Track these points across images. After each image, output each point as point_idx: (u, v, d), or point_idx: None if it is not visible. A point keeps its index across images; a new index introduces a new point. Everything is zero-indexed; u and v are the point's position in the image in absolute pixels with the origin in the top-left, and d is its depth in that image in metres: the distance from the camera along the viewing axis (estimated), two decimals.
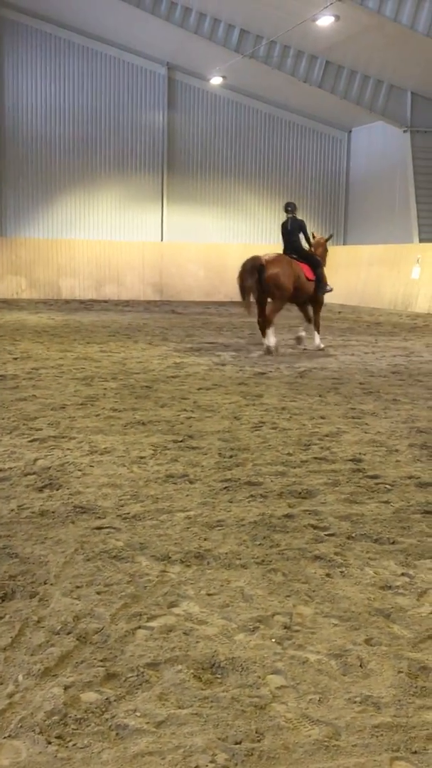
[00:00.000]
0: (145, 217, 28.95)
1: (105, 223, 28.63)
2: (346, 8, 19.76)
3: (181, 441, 7.04)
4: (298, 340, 15.07)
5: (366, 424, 7.96)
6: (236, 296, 28.28)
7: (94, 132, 28.33)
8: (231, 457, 6.53)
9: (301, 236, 14.82)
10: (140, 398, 9.07)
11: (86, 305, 26.16)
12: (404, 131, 25.50)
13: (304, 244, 14.97)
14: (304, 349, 14.47)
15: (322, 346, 14.55)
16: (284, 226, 15.02)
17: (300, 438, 7.26)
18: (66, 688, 2.97)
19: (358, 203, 30.09)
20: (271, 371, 11.55)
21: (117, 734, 2.71)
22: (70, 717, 2.79)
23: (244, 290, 13.55)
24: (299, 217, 15.23)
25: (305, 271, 14.28)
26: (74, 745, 2.64)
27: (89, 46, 27.77)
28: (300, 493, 5.56)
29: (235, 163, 29.76)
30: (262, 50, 24.08)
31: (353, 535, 4.73)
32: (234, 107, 29.52)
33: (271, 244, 29.62)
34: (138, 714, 2.82)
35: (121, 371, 11.12)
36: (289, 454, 6.67)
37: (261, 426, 7.74)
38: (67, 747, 2.63)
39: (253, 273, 13.53)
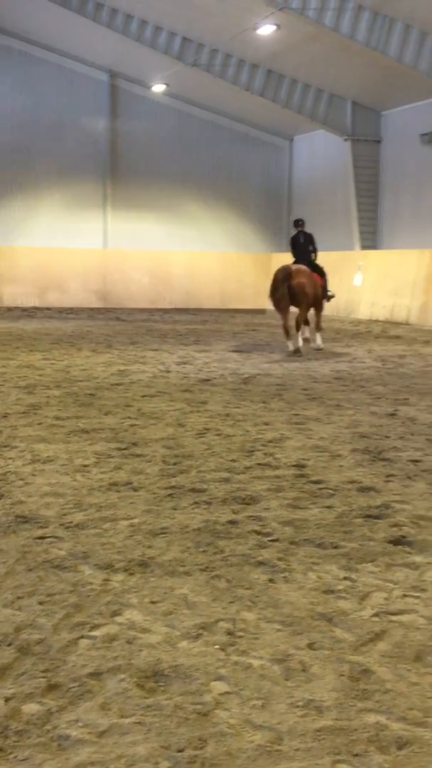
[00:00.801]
0: (88, 224, 28.81)
1: (48, 230, 28.41)
2: (287, 18, 19.94)
3: (125, 449, 7.01)
4: (306, 341, 16.26)
5: (309, 429, 8.02)
6: (180, 303, 28.39)
7: (35, 138, 28.12)
8: (175, 464, 6.52)
9: (310, 248, 16.45)
10: (84, 406, 9.02)
11: (29, 313, 25.91)
12: (345, 140, 25.79)
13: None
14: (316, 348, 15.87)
15: (322, 346, 15.95)
16: (296, 239, 16.58)
17: (244, 444, 7.28)
18: (6, 699, 2.93)
19: (301, 211, 30.26)
20: (215, 378, 11.58)
21: (59, 745, 2.68)
22: (10, 729, 2.76)
23: (276, 298, 15.23)
24: (308, 230, 16.79)
25: (317, 279, 15.87)
26: (15, 757, 2.61)
27: (30, 52, 27.58)
28: (244, 499, 5.57)
29: (179, 171, 29.79)
30: (204, 58, 24.18)
31: (296, 540, 4.75)
32: (177, 115, 29.57)
33: (215, 252, 29.77)
34: (80, 724, 2.80)
35: (64, 379, 11.05)
36: (233, 460, 6.69)
37: (205, 433, 7.75)
38: (7, 759, 2.60)
39: (285, 282, 15.07)
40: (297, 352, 15.01)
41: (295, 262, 15.98)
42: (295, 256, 16.40)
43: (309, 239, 16.50)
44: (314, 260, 16.36)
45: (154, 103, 29.21)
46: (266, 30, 20.70)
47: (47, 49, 27.65)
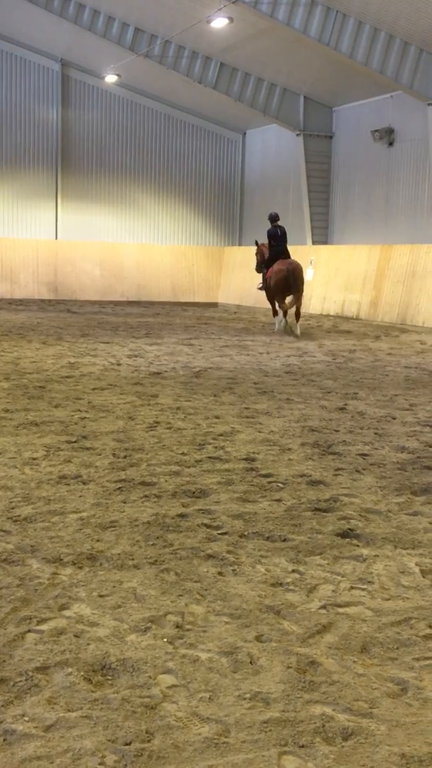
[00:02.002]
0: (38, 214, 28.54)
1: None
2: (241, 11, 19.94)
3: (74, 442, 6.97)
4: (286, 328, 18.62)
5: (260, 423, 8.05)
6: (132, 296, 28.28)
7: None
8: (125, 457, 6.50)
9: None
10: (33, 398, 8.95)
11: None
12: (297, 134, 25.87)
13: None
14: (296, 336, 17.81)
15: (298, 333, 18.04)
16: (275, 232, 18.86)
17: (194, 438, 7.29)
18: None
19: (253, 204, 30.39)
20: (166, 371, 11.56)
21: (4, 740, 2.66)
22: None
23: (288, 287, 17.81)
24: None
25: None
26: None
27: None
28: (194, 492, 5.58)
29: (131, 162, 29.65)
30: (156, 50, 24.06)
31: (245, 533, 4.77)
32: (129, 106, 29.40)
33: (168, 245, 29.70)
34: (27, 719, 2.78)
35: (13, 371, 10.94)
36: (183, 453, 6.69)
37: (156, 426, 7.74)
38: None
39: (293, 274, 17.72)
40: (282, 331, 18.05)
41: (280, 254, 18.50)
42: (276, 248, 18.67)
43: (285, 233, 18.88)
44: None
45: (106, 93, 29.01)
46: (219, 23, 20.66)
47: None
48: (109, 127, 29.25)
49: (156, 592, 3.89)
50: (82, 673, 3.09)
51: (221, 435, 7.45)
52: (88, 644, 3.32)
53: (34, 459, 6.35)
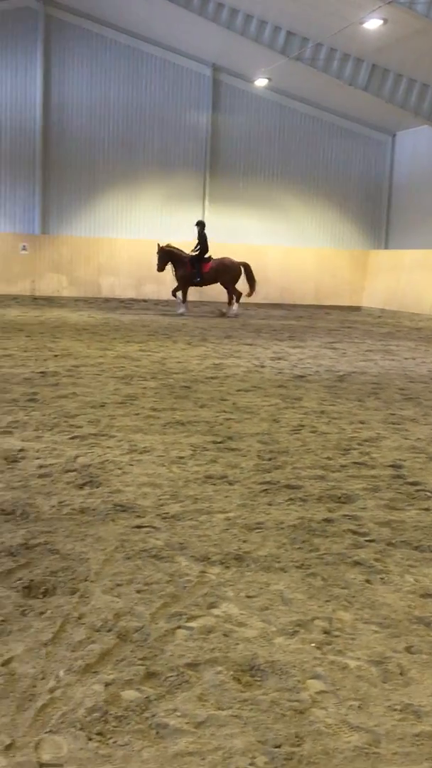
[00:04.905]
0: (186, 216, 28.94)
1: (146, 222, 28.70)
2: (395, 12, 19.65)
3: (220, 442, 7.04)
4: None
5: (406, 430, 7.92)
6: (275, 299, 28.40)
7: (137, 131, 28.43)
8: (270, 459, 6.52)
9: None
10: (179, 398, 9.09)
11: (126, 304, 26.31)
12: None
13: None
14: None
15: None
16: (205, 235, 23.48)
17: (339, 442, 7.23)
18: (107, 685, 2.99)
19: (401, 207, 29.90)
20: (310, 374, 11.52)
21: (157, 733, 2.72)
22: (110, 714, 2.80)
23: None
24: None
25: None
26: (115, 742, 2.66)
27: (135, 46, 27.87)
28: (339, 497, 5.54)
29: (277, 165, 29.70)
30: (308, 52, 24.01)
31: (393, 541, 4.70)
32: (278, 109, 29.46)
33: (312, 248, 29.61)
34: (178, 714, 2.83)
35: (160, 371, 11.16)
36: (328, 458, 6.65)
37: (300, 429, 7.73)
38: (107, 744, 2.64)
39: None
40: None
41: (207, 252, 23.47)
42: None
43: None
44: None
45: (255, 97, 29.16)
46: (373, 24, 20.42)
47: (152, 43, 27.89)
48: (257, 130, 29.39)
49: (303, 596, 3.88)
50: (231, 673, 3.12)
51: (366, 440, 7.36)
52: (237, 644, 3.35)
53: (181, 458, 6.46)
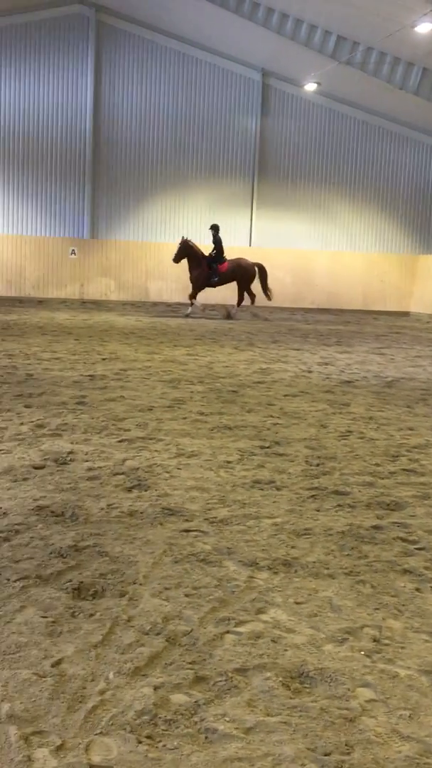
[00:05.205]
0: (234, 221, 29.01)
1: (194, 227, 28.77)
2: None
3: (267, 447, 7.03)
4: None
5: None
6: (322, 303, 28.31)
7: (186, 137, 28.56)
8: (318, 465, 6.49)
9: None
10: (227, 402, 9.10)
11: (173, 308, 26.40)
12: None
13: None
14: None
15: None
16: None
17: (388, 449, 7.18)
18: (156, 688, 2.99)
19: None
20: (358, 380, 11.46)
21: (206, 738, 2.71)
22: (160, 717, 2.81)
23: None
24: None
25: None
26: (164, 746, 2.66)
27: (185, 51, 28.00)
28: (388, 504, 5.49)
29: (326, 170, 29.62)
30: (358, 56, 23.92)
31: None
32: (327, 114, 29.38)
33: (360, 252, 29.46)
34: (227, 719, 2.82)
35: (207, 375, 11.17)
36: (377, 464, 6.60)
37: (348, 435, 7.68)
38: (157, 747, 2.65)
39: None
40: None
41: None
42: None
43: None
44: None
45: (304, 101, 29.12)
46: (425, 28, 20.28)
47: (202, 49, 28.01)
48: (307, 135, 29.34)
49: (352, 604, 3.85)
50: (280, 679, 3.10)
51: (416, 447, 7.30)
52: (286, 650, 3.34)
53: (228, 462, 6.46)
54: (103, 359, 12.38)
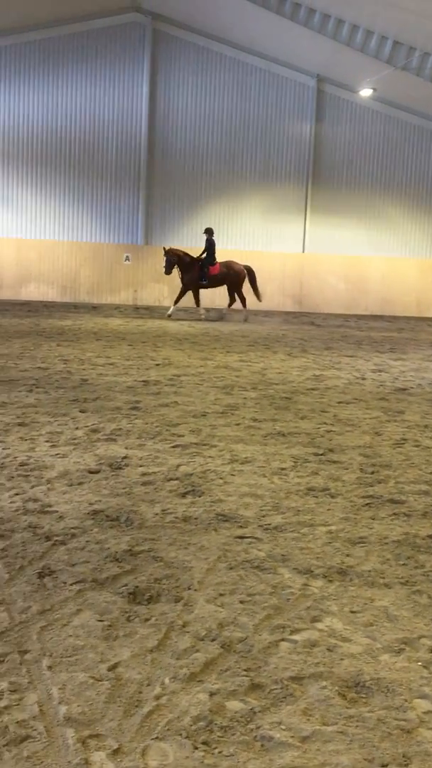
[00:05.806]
0: (287, 227, 28.95)
1: (248, 233, 28.80)
2: None
3: (321, 454, 7.00)
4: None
5: None
6: (376, 310, 28.12)
7: (240, 143, 28.59)
8: (373, 473, 6.45)
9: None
10: (280, 409, 9.08)
11: (224, 313, 26.40)
12: None
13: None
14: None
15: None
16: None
17: None
18: (211, 694, 3.00)
19: None
20: (412, 387, 11.35)
21: (262, 745, 2.71)
22: (215, 724, 2.81)
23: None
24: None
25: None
26: (220, 752, 2.66)
27: (239, 58, 28.06)
28: None
29: (380, 176, 29.41)
30: (414, 62, 23.74)
31: None
32: (382, 119, 29.19)
33: (415, 258, 29.20)
34: (283, 727, 2.81)
35: (260, 381, 11.16)
36: None
37: (403, 443, 7.62)
38: (213, 754, 2.65)
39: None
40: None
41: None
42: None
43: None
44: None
45: (359, 107, 28.97)
46: None
47: (256, 55, 28.03)
48: (361, 141, 29.17)
49: (408, 614, 3.81)
50: (336, 688, 3.09)
51: None
52: (342, 659, 3.31)
53: (282, 469, 6.44)
54: (157, 365, 12.44)
